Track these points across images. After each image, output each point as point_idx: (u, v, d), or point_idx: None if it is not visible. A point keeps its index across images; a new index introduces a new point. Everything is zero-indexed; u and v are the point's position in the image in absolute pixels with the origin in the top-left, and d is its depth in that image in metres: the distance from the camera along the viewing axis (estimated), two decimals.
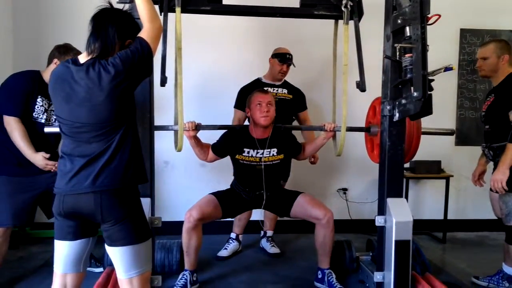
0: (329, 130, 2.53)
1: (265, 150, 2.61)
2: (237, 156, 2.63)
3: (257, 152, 2.61)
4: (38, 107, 2.45)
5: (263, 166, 2.60)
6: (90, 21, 1.58)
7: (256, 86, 3.05)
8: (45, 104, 2.48)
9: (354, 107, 3.01)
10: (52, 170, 2.40)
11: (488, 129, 2.67)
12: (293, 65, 3.17)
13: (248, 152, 2.61)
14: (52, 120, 2.51)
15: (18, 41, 3.43)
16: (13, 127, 2.35)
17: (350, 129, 2.49)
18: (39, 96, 2.45)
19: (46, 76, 2.48)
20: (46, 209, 2.60)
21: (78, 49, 2.39)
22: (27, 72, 2.50)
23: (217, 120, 2.78)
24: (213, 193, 2.67)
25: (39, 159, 2.38)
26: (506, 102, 2.49)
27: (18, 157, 2.40)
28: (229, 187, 2.81)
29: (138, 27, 1.66)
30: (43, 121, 2.48)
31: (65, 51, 2.47)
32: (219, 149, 2.65)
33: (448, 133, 2.47)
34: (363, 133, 2.78)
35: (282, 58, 3.10)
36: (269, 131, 2.63)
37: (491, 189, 2.60)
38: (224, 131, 2.69)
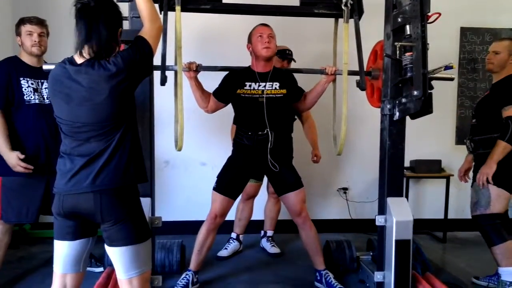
0: (330, 74, 2.45)
1: (267, 83, 2.53)
2: (238, 91, 2.52)
3: (259, 85, 2.52)
4: (25, 89, 2.43)
5: (265, 99, 2.50)
6: (77, 21, 1.54)
7: None
8: (32, 84, 2.45)
9: (354, 105, 3.00)
10: (22, 171, 2.34)
11: (475, 122, 2.75)
12: (294, 60, 3.17)
13: (250, 86, 2.53)
14: (46, 98, 2.48)
15: None
16: None
17: (351, 72, 2.40)
18: (22, 78, 2.42)
19: (24, 58, 2.48)
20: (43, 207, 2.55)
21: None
22: (2, 60, 2.47)
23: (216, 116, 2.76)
24: (217, 189, 2.57)
25: (12, 157, 2.33)
26: (499, 98, 2.54)
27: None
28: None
29: (119, 12, 1.61)
30: (37, 101, 2.45)
31: (19, 24, 2.48)
32: (221, 92, 2.57)
33: (448, 78, 2.39)
34: (363, 133, 2.77)
35: (282, 54, 3.08)
36: (271, 66, 2.57)
37: (472, 186, 2.71)
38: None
